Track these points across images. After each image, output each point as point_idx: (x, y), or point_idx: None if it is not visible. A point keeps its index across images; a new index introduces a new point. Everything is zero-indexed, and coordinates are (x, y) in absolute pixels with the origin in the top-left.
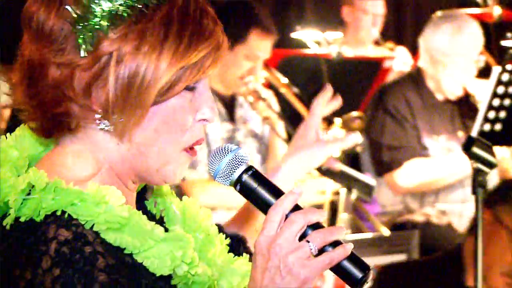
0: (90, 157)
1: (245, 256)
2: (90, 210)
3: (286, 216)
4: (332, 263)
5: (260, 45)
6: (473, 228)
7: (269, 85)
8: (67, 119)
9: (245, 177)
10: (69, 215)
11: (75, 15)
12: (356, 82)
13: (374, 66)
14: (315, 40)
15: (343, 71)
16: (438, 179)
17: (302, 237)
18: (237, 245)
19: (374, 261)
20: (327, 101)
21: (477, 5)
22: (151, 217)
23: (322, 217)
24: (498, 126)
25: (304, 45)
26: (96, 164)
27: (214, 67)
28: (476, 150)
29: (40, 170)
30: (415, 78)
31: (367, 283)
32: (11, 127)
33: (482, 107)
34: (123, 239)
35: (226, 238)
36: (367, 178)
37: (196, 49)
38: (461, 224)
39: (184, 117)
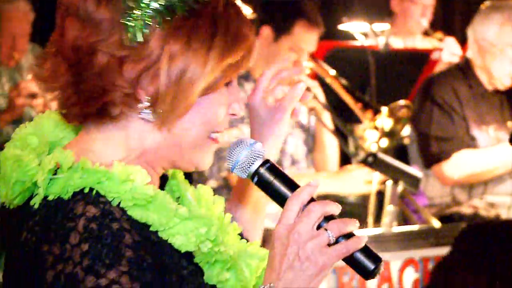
0: (120, 144)
1: (257, 242)
2: (117, 187)
3: (304, 207)
4: (348, 252)
5: (305, 37)
6: None
7: (315, 76)
8: (111, 107)
9: (262, 170)
10: (96, 192)
11: (126, 6)
12: (404, 73)
13: (422, 58)
14: (362, 31)
15: (391, 63)
16: (487, 171)
17: (318, 227)
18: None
19: (421, 253)
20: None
21: None
22: None
23: (338, 210)
24: None
25: (351, 36)
26: (125, 151)
27: (248, 64)
28: None
29: (67, 150)
30: (463, 68)
31: (378, 274)
32: None
33: None
34: (149, 216)
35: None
36: (414, 170)
37: (239, 47)
38: (509, 217)
39: (219, 111)
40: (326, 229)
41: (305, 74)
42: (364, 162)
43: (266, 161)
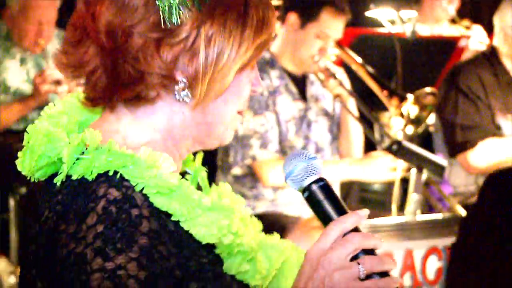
0: (149, 125)
1: (277, 235)
2: (142, 173)
3: (344, 235)
4: None
5: (332, 24)
6: None
7: (341, 63)
8: (149, 90)
9: (315, 187)
10: (121, 175)
11: None
12: (431, 61)
13: (449, 45)
14: (389, 18)
15: (417, 50)
16: None
17: (353, 258)
18: None
19: (445, 242)
20: None
21: None
22: None
23: (379, 246)
24: None
25: (379, 23)
26: (153, 132)
27: (270, 44)
28: None
29: (96, 130)
30: (489, 56)
31: None
32: None
33: None
34: (171, 205)
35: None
36: (438, 158)
37: (269, 25)
38: None
39: (247, 90)
40: (359, 263)
41: (331, 61)
42: (389, 150)
43: (321, 179)
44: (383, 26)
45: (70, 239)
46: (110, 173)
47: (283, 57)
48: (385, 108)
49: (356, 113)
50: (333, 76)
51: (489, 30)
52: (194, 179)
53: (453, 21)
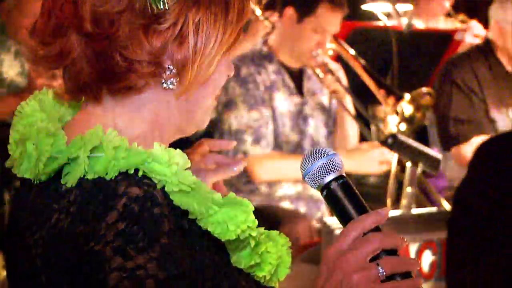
0: (136, 116)
1: (276, 231)
2: (163, 170)
3: (364, 235)
4: None
5: (329, 19)
6: None
7: (337, 58)
8: (137, 80)
9: (334, 185)
10: (142, 173)
11: None
12: (426, 54)
13: (445, 38)
14: (385, 12)
15: (413, 44)
16: None
17: (374, 259)
18: None
19: (440, 236)
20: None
21: None
22: None
23: (402, 245)
24: None
25: (374, 17)
26: (141, 123)
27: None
28: None
29: (108, 129)
30: (484, 49)
31: None
32: None
33: None
34: (190, 203)
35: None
36: (434, 152)
37: (248, 10)
38: None
39: (224, 76)
40: (378, 264)
41: (328, 56)
42: (384, 143)
43: (341, 177)
44: (379, 20)
45: (89, 237)
46: (130, 172)
47: (281, 51)
48: (381, 103)
49: (353, 110)
50: (331, 72)
51: (485, 24)
52: None
53: (448, 15)
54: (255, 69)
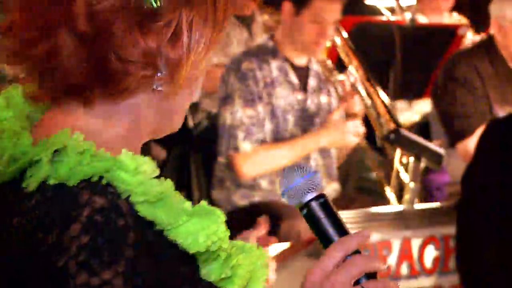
0: (119, 118)
1: (253, 244)
2: (129, 179)
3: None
4: None
5: (326, 8)
6: None
7: (336, 58)
8: (131, 82)
9: (314, 204)
10: (106, 182)
11: None
12: (430, 49)
13: (448, 34)
14: (388, 7)
15: (417, 39)
16: None
17: (356, 283)
18: None
19: (443, 231)
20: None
21: None
22: None
23: (383, 268)
24: None
25: (378, 12)
26: (122, 125)
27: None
28: None
29: (75, 132)
30: (487, 46)
31: None
32: None
33: None
34: (157, 214)
35: None
36: (436, 146)
37: (231, 7)
38: None
39: (203, 77)
40: (362, 287)
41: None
42: (387, 139)
43: (321, 196)
44: (383, 14)
45: (51, 250)
46: (94, 179)
47: (285, 46)
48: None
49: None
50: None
51: (488, 20)
52: None
53: (452, 10)
54: (257, 64)
